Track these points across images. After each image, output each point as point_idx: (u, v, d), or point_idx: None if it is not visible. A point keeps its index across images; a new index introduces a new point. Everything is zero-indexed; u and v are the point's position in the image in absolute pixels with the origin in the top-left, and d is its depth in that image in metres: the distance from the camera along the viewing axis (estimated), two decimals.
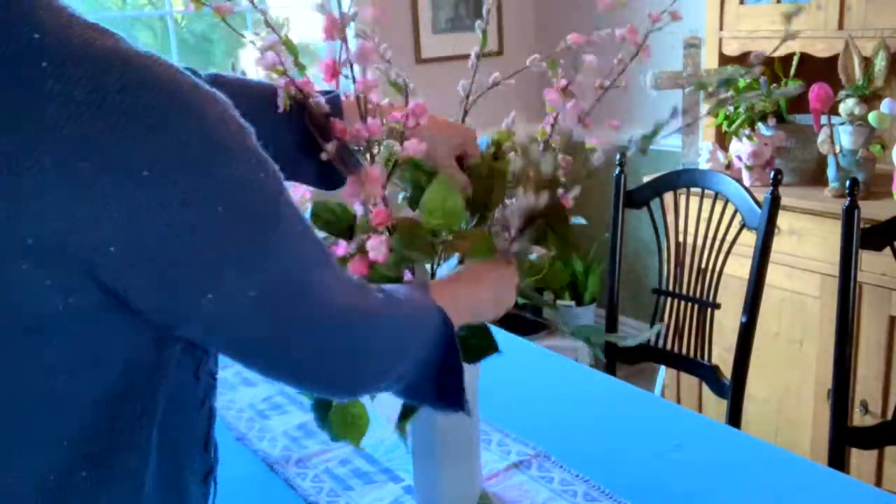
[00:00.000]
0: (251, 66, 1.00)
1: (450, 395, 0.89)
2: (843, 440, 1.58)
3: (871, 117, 2.15)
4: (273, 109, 0.95)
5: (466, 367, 0.99)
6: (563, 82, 1.02)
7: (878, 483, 2.14)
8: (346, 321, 0.74)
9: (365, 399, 1.02)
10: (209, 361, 0.80)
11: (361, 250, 0.92)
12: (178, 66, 0.63)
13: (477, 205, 1.02)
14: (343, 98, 1.00)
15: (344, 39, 0.92)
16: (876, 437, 1.58)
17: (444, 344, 0.85)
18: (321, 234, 1.00)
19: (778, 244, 1.94)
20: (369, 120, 0.94)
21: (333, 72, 0.94)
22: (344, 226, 1.02)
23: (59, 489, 0.67)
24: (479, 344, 1.00)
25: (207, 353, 0.79)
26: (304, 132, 0.98)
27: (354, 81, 0.94)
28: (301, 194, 1.04)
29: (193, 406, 0.78)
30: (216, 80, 0.94)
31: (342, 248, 0.94)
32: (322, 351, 0.74)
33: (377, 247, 0.90)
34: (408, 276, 0.97)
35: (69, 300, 0.61)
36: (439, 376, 0.87)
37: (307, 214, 1.03)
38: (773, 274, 1.86)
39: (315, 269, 0.72)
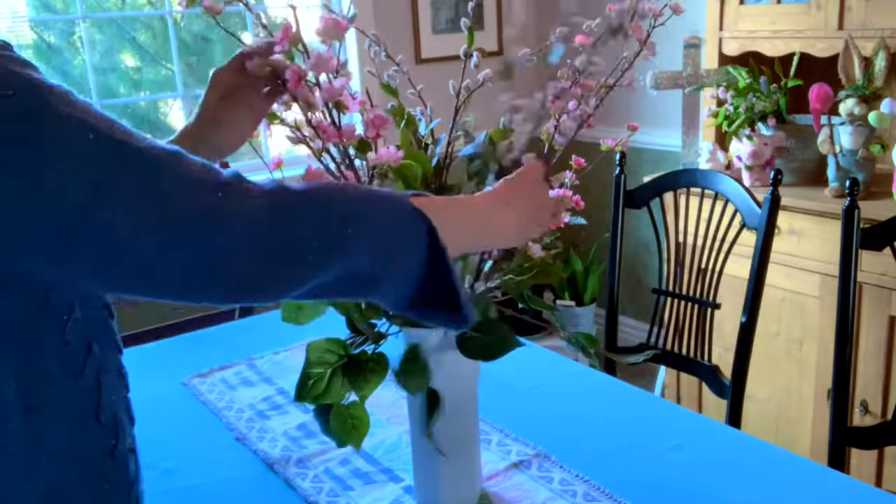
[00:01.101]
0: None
1: (447, 309, 0.80)
2: (843, 440, 1.58)
3: (871, 117, 2.15)
4: None
5: (467, 363, 0.99)
6: (567, 83, 1.02)
7: (878, 483, 2.14)
8: (188, 225, 0.69)
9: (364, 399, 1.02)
10: (78, 325, 0.76)
11: None
12: None
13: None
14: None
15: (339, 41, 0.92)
16: (876, 437, 1.58)
17: (428, 252, 0.77)
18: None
19: (778, 244, 1.94)
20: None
21: (298, 78, 0.92)
22: None
23: None
24: (495, 341, 0.97)
25: (70, 314, 0.75)
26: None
27: (319, 88, 0.92)
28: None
29: (67, 374, 0.75)
30: None
31: None
32: (176, 257, 0.69)
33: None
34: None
35: None
36: (429, 290, 0.79)
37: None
38: (773, 274, 1.86)
39: (138, 166, 0.67)
